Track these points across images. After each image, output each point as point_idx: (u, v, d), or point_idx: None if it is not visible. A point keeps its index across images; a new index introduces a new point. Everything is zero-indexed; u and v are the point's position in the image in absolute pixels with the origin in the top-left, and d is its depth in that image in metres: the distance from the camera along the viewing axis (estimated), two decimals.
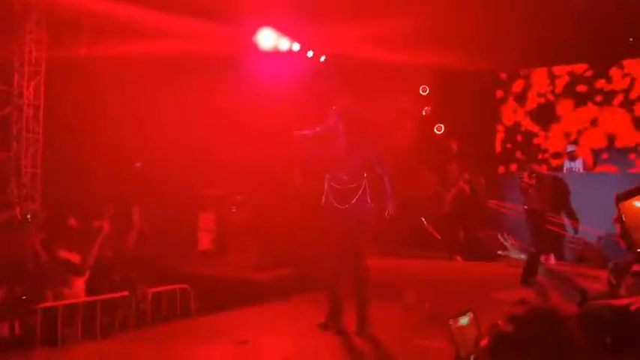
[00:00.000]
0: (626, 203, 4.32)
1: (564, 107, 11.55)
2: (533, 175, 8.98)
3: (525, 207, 8.96)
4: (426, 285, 7.12)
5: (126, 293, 5.50)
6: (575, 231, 8.94)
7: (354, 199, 4.80)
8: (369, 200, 4.89)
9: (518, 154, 11.85)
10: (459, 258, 9.43)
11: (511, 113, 12.11)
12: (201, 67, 8.57)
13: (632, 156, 10.80)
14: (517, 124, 12.00)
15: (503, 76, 12.26)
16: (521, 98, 12.02)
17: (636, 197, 4.98)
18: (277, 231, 7.96)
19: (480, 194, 10.04)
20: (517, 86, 12.10)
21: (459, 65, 10.11)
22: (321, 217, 5.08)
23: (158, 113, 8.37)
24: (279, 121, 8.72)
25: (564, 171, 9.89)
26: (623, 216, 4.02)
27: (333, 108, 4.95)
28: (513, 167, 11.72)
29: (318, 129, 4.94)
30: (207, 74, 8.62)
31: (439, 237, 10.01)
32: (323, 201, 4.96)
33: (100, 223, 5.72)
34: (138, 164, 8.75)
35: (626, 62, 11.00)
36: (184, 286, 6.11)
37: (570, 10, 8.55)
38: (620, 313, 2.78)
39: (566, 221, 9.06)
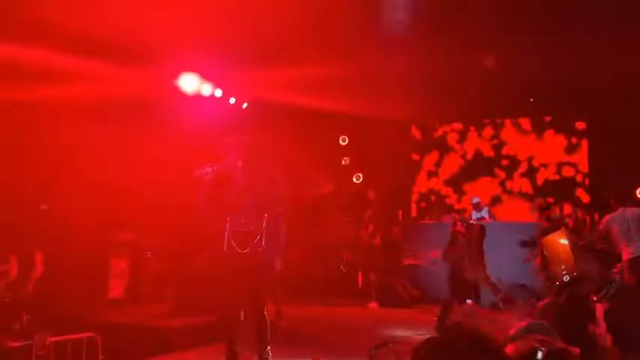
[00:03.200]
0: (547, 239, 4.69)
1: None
2: (464, 223, 9.42)
3: (450, 253, 9.32)
4: (333, 332, 7.19)
5: (25, 342, 5.15)
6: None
7: (254, 243, 4.54)
8: (271, 243, 4.59)
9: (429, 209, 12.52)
10: (374, 305, 9.55)
11: (424, 175, 12.78)
12: (117, 110, 8.41)
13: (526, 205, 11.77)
14: (430, 189, 12.72)
15: (418, 129, 12.95)
16: (433, 156, 12.74)
17: (556, 234, 5.37)
18: (192, 278, 7.77)
19: (394, 242, 10.32)
20: (430, 142, 12.85)
21: (376, 115, 10.51)
22: (222, 263, 4.75)
23: (72, 156, 8.09)
24: (197, 166, 8.65)
25: (472, 221, 10.37)
26: (544, 250, 4.34)
27: (230, 142, 4.74)
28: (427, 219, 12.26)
29: (215, 167, 4.67)
30: (123, 117, 8.46)
31: (359, 284, 10.13)
32: (224, 245, 4.66)
33: (5, 268, 5.38)
34: (44, 207, 8.33)
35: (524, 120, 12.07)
36: (91, 334, 5.80)
37: (478, 69, 9.20)
38: None
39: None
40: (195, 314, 7.15)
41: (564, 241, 5.79)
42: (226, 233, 4.66)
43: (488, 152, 12.37)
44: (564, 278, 5.47)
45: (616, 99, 10.08)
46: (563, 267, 5.51)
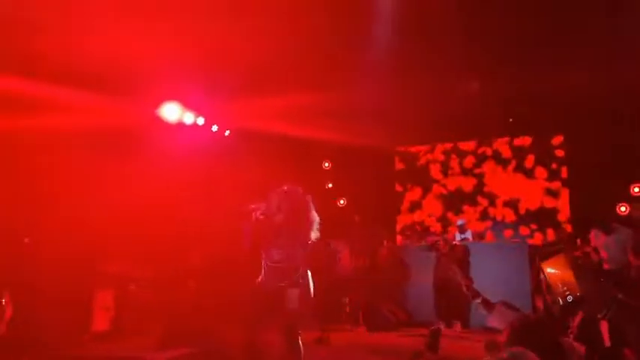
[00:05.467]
0: (547, 262, 4.74)
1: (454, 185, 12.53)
2: (447, 244, 9.50)
3: (436, 274, 9.40)
4: (322, 357, 7.17)
5: None
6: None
7: (289, 277, 4.87)
8: (301, 280, 4.94)
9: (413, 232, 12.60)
10: (362, 329, 9.51)
11: (409, 194, 12.86)
12: (100, 140, 8.40)
13: (509, 232, 11.82)
14: (414, 209, 12.82)
15: (401, 151, 13.07)
16: (416, 179, 12.84)
17: (556, 256, 5.43)
18: (178, 310, 7.70)
19: (381, 265, 10.33)
20: (413, 165, 12.98)
21: (358, 142, 10.61)
22: (257, 294, 5.03)
23: (53, 188, 8.03)
24: (181, 196, 8.64)
25: (456, 242, 10.45)
26: (544, 274, 4.37)
27: (279, 190, 5.05)
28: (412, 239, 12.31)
29: (263, 207, 4.98)
30: (107, 147, 8.45)
31: (347, 310, 10.09)
32: (260, 279, 4.99)
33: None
34: (26, 240, 8.24)
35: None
36: None
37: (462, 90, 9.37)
38: None
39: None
40: (181, 346, 7.08)
41: (564, 263, 5.86)
42: (263, 267, 5.02)
43: (470, 184, 12.45)
44: (567, 299, 5.53)
45: (590, 113, 10.32)
46: (565, 288, 5.57)
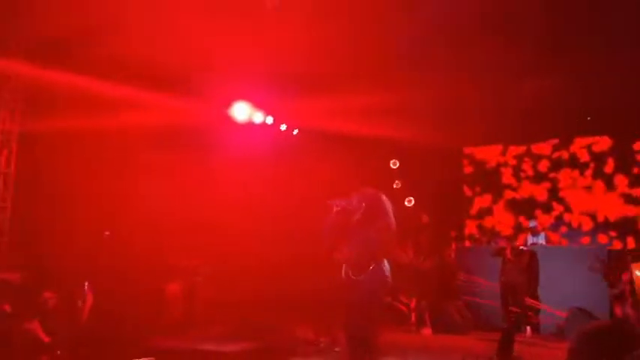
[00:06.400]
0: (638, 265, 4.53)
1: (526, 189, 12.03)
2: (514, 250, 9.26)
3: (502, 279, 9.17)
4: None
5: None
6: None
7: (368, 271, 4.98)
8: (383, 273, 5.05)
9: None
10: (427, 331, 9.38)
11: (476, 196, 12.53)
12: (174, 139, 8.73)
13: (586, 240, 11.18)
14: (483, 215, 12.41)
15: (468, 153, 12.72)
16: (486, 183, 12.46)
17: None
18: (245, 302, 7.89)
19: (449, 266, 10.16)
20: (483, 165, 12.58)
21: (425, 141, 10.45)
22: (341, 289, 5.21)
23: (129, 183, 8.42)
24: (249, 192, 8.84)
25: (524, 247, 10.08)
26: (634, 276, 4.22)
27: (361, 191, 5.22)
28: (481, 242, 11.98)
29: (343, 203, 5.17)
30: (180, 146, 8.77)
31: (405, 309, 9.98)
32: (342, 273, 5.15)
33: (81, 300, 5.55)
34: (107, 233, 8.69)
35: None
36: (149, 359, 5.98)
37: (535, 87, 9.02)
38: None
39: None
40: (247, 338, 7.25)
41: None
42: (341, 262, 5.18)
43: (544, 190, 11.90)
44: None
45: None
46: None
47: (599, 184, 11.34)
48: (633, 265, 6.27)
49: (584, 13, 7.23)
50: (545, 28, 7.43)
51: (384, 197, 5.19)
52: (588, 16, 7.26)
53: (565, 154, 11.73)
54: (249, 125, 10.25)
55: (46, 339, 5.33)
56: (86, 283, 6.29)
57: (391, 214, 5.11)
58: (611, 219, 11.14)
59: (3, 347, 5.21)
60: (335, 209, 5.11)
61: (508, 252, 9.32)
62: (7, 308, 5.46)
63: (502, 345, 6.88)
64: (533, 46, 7.82)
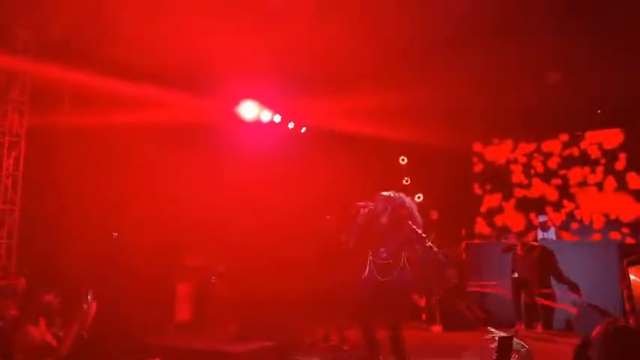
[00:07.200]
0: (634, 268, 4.49)
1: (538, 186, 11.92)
2: (524, 246, 9.19)
3: (514, 276, 9.11)
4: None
5: None
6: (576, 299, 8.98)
7: (395, 273, 5.20)
8: (408, 275, 5.29)
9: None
10: (438, 328, 9.33)
11: (486, 193, 12.45)
12: (182, 137, 8.72)
13: (597, 237, 11.08)
14: (494, 213, 12.34)
15: (477, 150, 12.63)
16: (496, 180, 12.37)
17: None
18: (257, 302, 7.86)
19: (458, 264, 10.10)
20: (492, 166, 12.50)
21: (434, 139, 10.41)
22: (363, 287, 5.37)
23: (138, 183, 8.41)
24: (257, 191, 8.81)
25: (534, 242, 10.00)
26: (628, 279, 4.17)
27: (386, 194, 5.45)
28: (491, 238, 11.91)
29: (370, 206, 5.40)
30: (188, 144, 8.76)
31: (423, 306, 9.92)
32: (365, 274, 5.34)
33: (86, 305, 5.53)
34: (115, 234, 8.69)
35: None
36: (159, 359, 5.96)
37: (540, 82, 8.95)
38: None
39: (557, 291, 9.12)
40: (260, 338, 7.23)
41: None
42: (368, 263, 5.39)
43: (554, 187, 11.80)
44: None
45: None
46: None
47: (610, 181, 11.25)
48: (630, 269, 6.17)
49: (595, 6, 7.16)
50: (555, 21, 7.36)
51: (407, 200, 5.38)
52: (598, 7, 7.18)
53: (576, 151, 11.64)
54: (257, 124, 10.23)
55: (53, 342, 5.30)
56: (90, 292, 6.23)
57: (417, 216, 5.30)
58: (623, 216, 11.05)
59: (9, 350, 5.19)
60: (363, 211, 5.33)
61: (519, 248, 9.27)
62: (14, 313, 5.44)
63: (500, 350, 6.82)
64: (542, 41, 7.74)
